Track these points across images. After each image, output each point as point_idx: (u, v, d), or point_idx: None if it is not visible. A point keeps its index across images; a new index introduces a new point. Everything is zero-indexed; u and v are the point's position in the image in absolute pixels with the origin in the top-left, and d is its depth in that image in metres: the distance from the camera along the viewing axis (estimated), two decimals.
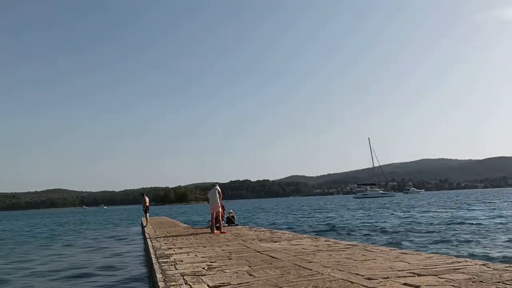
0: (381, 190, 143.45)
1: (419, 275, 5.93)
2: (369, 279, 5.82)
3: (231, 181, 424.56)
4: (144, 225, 24.16)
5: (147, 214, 23.98)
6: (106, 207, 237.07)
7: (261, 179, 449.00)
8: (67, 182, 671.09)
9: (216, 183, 16.51)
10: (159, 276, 7.33)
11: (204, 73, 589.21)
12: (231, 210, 19.59)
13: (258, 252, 9.77)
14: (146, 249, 14.85)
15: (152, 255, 10.42)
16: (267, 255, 9.15)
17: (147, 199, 23.83)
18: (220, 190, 16.17)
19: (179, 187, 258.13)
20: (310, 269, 6.94)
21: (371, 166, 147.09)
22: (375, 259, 7.83)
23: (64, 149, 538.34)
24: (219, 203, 16.17)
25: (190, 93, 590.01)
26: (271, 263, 7.89)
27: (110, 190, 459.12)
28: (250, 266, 7.67)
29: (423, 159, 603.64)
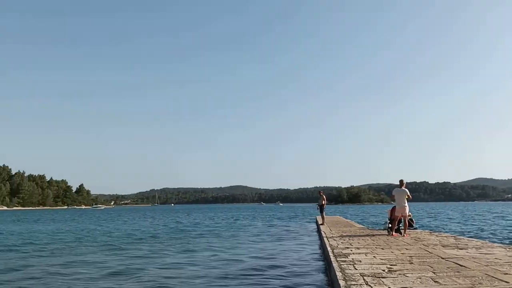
0: None
1: None
2: None
3: (406, 182, 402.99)
4: (320, 223, 24.55)
5: (323, 212, 24.30)
6: (281, 204, 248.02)
7: (440, 181, 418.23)
8: (247, 179, 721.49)
9: (402, 181, 15.24)
10: (338, 274, 7.42)
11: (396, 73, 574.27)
12: (410, 213, 18.75)
13: (443, 258, 9.17)
14: (323, 247, 15.11)
15: (330, 254, 10.58)
16: (453, 262, 8.53)
17: (324, 197, 24.18)
18: (408, 192, 15.06)
19: (352, 187, 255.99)
20: (506, 282, 6.26)
21: None
22: None
23: (242, 150, 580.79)
24: (407, 206, 15.06)
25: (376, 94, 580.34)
26: (458, 271, 7.34)
27: (286, 188, 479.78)
28: (434, 273, 7.26)
29: None
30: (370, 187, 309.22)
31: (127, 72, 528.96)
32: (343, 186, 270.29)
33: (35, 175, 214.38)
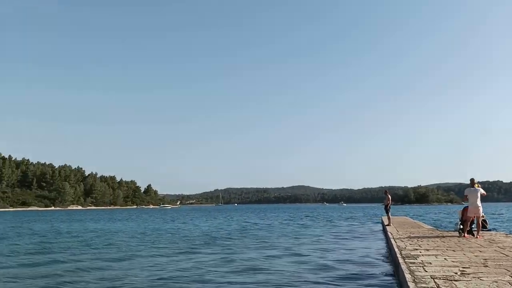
0: None
1: None
2: None
3: (478, 182, 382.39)
4: (386, 224, 23.96)
5: (389, 213, 23.70)
6: (345, 204, 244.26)
7: None
8: (310, 179, 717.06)
9: (473, 180, 14.56)
10: (407, 276, 7.23)
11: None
12: (483, 214, 17.84)
13: None
14: (389, 248, 14.76)
15: (398, 255, 10.32)
16: None
17: (389, 197, 23.57)
18: (483, 191, 14.43)
19: (419, 186, 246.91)
20: None
21: None
22: None
23: (304, 150, 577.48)
24: (481, 206, 14.33)
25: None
26: None
27: (349, 188, 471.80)
28: None
29: None
30: (439, 186, 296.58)
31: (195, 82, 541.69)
32: (409, 186, 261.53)
33: (106, 176, 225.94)
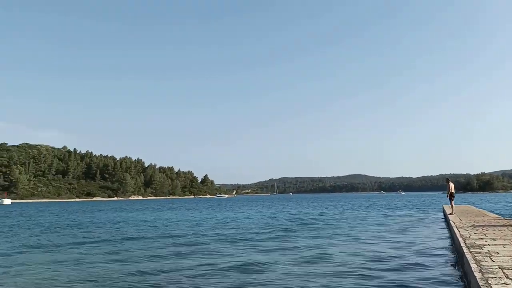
0: None
1: None
2: None
3: None
4: (448, 212, 23.09)
5: (452, 201, 22.78)
6: (403, 193, 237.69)
7: None
8: (366, 168, 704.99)
9: None
10: (473, 266, 6.93)
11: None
12: None
13: None
14: (453, 237, 14.22)
15: (462, 245, 9.92)
16: None
17: (451, 185, 22.60)
18: None
19: (483, 174, 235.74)
20: None
21: None
22: None
23: (361, 138, 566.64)
24: None
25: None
26: None
27: (408, 176, 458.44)
28: None
29: None
30: (504, 173, 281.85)
31: (253, 72, 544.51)
32: (472, 173, 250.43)
33: (165, 167, 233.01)
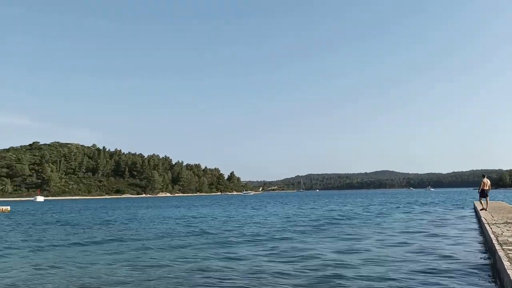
0: None
1: None
2: None
3: None
4: (480, 209, 22.48)
5: (486, 197, 22.06)
6: (432, 189, 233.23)
7: None
8: (394, 164, 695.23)
9: None
10: (506, 264, 6.71)
11: None
12: None
13: None
14: (484, 234, 13.85)
15: (494, 242, 9.64)
16: None
17: (485, 181, 21.82)
18: None
19: None
20: None
21: None
22: None
23: (389, 134, 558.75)
24: None
25: None
26: None
27: (437, 172, 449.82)
28: None
29: None
30: None
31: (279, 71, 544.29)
32: (504, 169, 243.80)
33: (192, 164, 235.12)
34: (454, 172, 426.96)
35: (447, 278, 8.85)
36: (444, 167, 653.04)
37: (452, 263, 10.55)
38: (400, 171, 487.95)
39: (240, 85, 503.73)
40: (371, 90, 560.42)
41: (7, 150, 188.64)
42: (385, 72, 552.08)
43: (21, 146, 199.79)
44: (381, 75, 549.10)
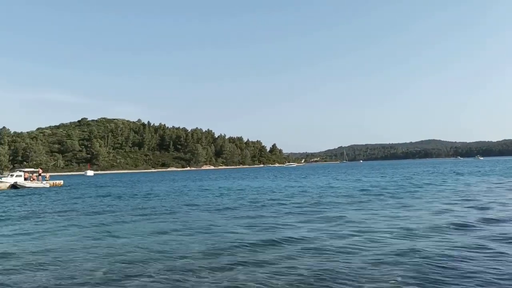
0: None
1: None
2: None
3: None
4: None
5: None
6: (481, 158, 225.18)
7: None
8: (441, 133, 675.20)
9: None
10: None
11: None
12: None
13: None
14: None
15: None
16: None
17: None
18: None
19: None
20: None
21: None
22: None
23: (434, 101, 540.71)
24: None
25: None
26: None
27: (487, 140, 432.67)
28: None
29: None
30: None
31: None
32: None
33: (234, 137, 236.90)
34: (505, 140, 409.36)
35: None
36: (494, 135, 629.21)
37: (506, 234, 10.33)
38: (447, 140, 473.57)
39: (281, 55, 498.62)
40: (416, 48, 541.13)
41: (58, 127, 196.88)
42: (432, 30, 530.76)
43: (70, 122, 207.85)
44: (428, 33, 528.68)
